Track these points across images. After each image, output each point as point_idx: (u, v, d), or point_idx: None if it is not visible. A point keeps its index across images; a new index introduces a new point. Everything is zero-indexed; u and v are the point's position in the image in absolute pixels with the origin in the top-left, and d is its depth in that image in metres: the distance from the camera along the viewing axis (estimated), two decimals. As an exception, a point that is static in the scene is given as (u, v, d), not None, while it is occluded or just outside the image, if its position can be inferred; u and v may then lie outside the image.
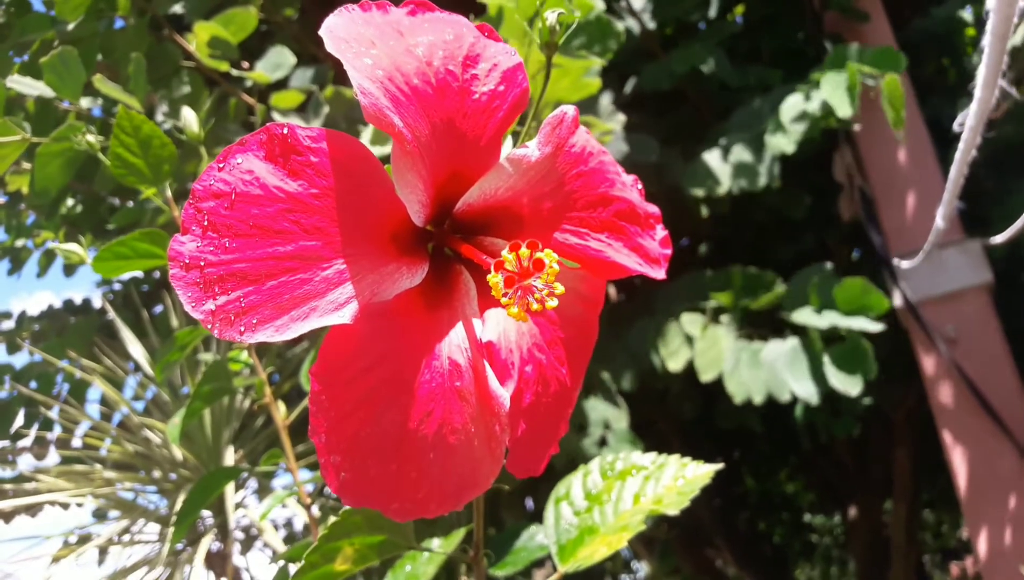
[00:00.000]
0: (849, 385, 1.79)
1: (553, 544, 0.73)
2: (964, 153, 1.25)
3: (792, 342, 1.90)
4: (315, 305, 0.41)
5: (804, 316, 1.88)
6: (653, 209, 0.57)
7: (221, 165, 0.40)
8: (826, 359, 1.83)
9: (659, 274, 0.55)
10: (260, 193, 0.40)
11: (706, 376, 1.93)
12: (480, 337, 0.48)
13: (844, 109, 1.81)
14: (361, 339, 0.43)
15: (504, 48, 0.49)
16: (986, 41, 0.92)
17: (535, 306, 0.45)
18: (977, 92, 1.03)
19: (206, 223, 0.40)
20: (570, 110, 0.51)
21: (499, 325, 0.51)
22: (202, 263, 0.39)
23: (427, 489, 0.45)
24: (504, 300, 0.45)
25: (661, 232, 0.57)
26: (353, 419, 0.43)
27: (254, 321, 0.40)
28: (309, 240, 0.41)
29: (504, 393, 0.47)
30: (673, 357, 2.00)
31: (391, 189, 0.45)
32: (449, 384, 0.46)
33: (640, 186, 0.57)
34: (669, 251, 0.57)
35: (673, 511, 0.67)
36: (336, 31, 0.44)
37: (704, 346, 1.96)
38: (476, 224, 0.51)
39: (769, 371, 1.88)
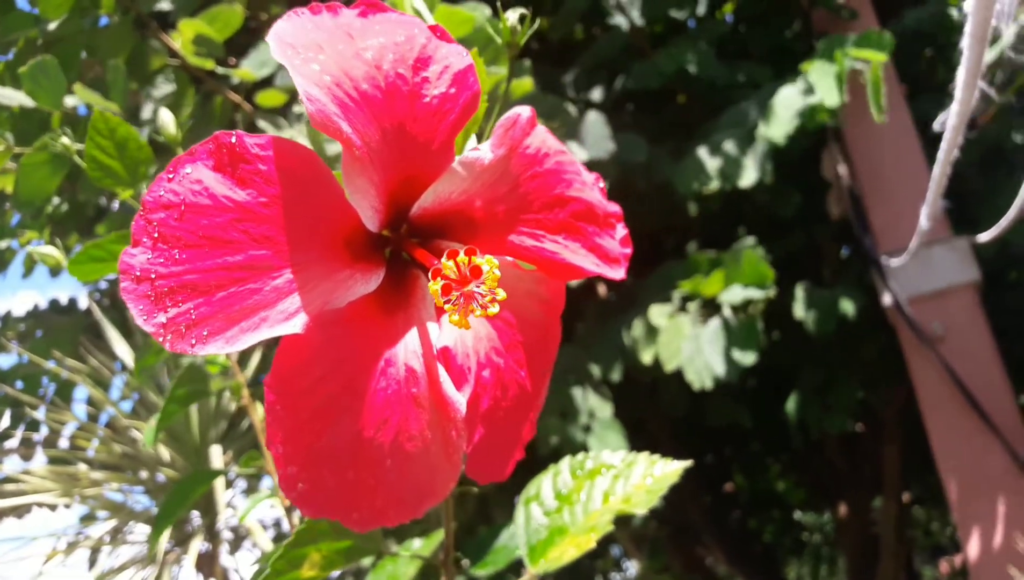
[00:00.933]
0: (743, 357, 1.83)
1: (524, 545, 0.73)
2: (946, 153, 1.26)
3: (715, 323, 1.92)
4: (265, 315, 0.41)
5: (728, 296, 1.90)
6: (614, 208, 0.57)
7: (171, 176, 0.40)
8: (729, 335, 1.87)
9: (618, 274, 0.55)
10: (209, 203, 0.40)
11: (669, 366, 1.94)
12: (436, 342, 0.48)
13: (832, 98, 1.82)
14: (314, 348, 0.43)
15: (456, 49, 0.49)
16: (965, 43, 0.92)
17: (477, 313, 0.44)
18: (957, 93, 1.04)
19: (156, 235, 0.39)
20: (524, 111, 0.51)
21: (455, 330, 0.50)
22: (152, 275, 0.39)
23: (385, 497, 0.45)
24: (447, 307, 0.44)
25: (621, 231, 0.56)
26: (309, 429, 0.42)
27: (204, 333, 0.39)
28: (259, 249, 0.41)
29: (460, 398, 0.46)
30: (646, 350, 2.01)
31: (342, 196, 0.45)
32: (405, 391, 0.45)
33: (602, 185, 0.57)
34: (629, 250, 0.56)
35: (641, 510, 0.67)
36: (284, 36, 0.43)
37: (667, 338, 1.98)
38: (433, 228, 0.51)
39: (705, 351, 1.91)
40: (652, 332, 2.02)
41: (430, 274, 0.45)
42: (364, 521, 0.45)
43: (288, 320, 0.41)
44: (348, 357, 0.44)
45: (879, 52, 1.81)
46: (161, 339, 0.39)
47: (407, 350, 0.47)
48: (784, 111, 1.92)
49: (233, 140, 0.41)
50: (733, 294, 1.89)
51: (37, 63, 1.29)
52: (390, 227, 0.49)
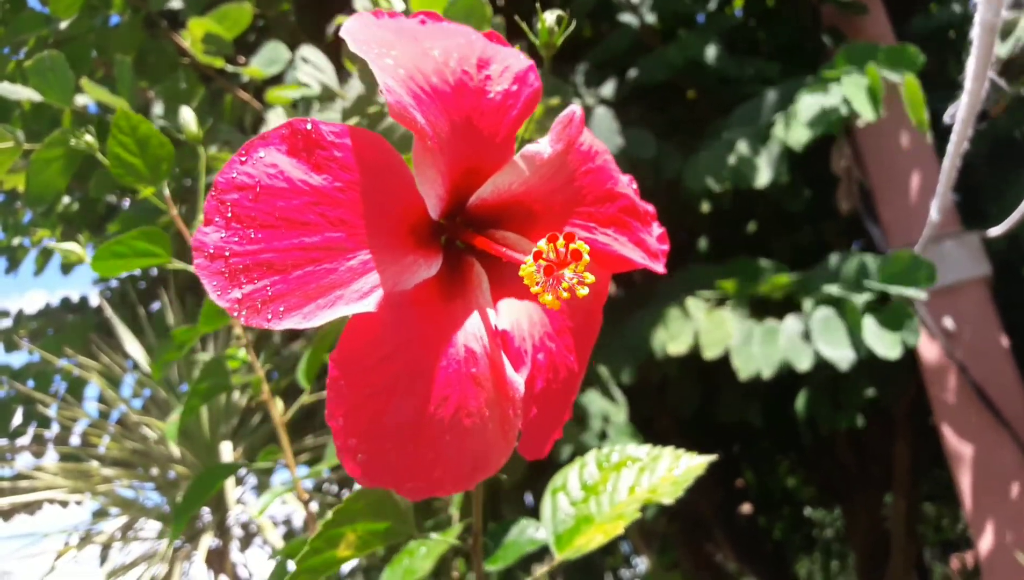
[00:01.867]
0: (889, 346, 1.77)
1: (550, 534, 0.75)
2: (956, 145, 1.26)
3: (824, 311, 1.88)
4: (341, 293, 0.43)
5: (836, 290, 1.87)
6: (650, 207, 0.60)
7: (244, 158, 0.42)
8: (867, 322, 1.81)
9: (659, 268, 0.58)
10: (285, 186, 0.42)
11: (711, 353, 1.92)
12: (495, 326, 0.50)
13: (868, 113, 1.81)
14: (382, 328, 0.45)
15: (514, 52, 0.52)
16: (975, 33, 0.92)
17: (565, 295, 0.46)
18: (967, 84, 1.04)
19: (230, 214, 0.41)
20: (578, 110, 0.54)
21: (512, 315, 0.53)
22: (227, 253, 0.41)
23: (442, 469, 0.47)
24: (535, 288, 0.46)
25: (658, 229, 0.60)
26: (371, 404, 0.44)
27: (281, 309, 0.41)
28: (335, 232, 0.43)
29: (519, 379, 0.49)
30: (675, 340, 1.99)
31: (411, 183, 0.47)
32: (465, 370, 0.48)
33: (635, 186, 0.60)
34: (667, 246, 0.59)
35: (668, 500, 0.68)
36: (356, 34, 0.46)
37: (710, 325, 1.96)
38: (487, 218, 0.53)
39: (789, 341, 1.87)
40: (691, 323, 2.00)
41: (531, 256, 0.46)
42: (419, 490, 0.47)
43: (363, 299, 0.43)
44: (412, 338, 0.46)
45: (911, 71, 1.80)
46: (236, 314, 0.40)
47: (467, 333, 0.49)
48: (806, 118, 1.91)
49: (308, 127, 0.42)
50: (856, 293, 1.83)
51: (43, 58, 1.29)
52: (447, 216, 0.51)
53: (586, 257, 0.46)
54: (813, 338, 1.84)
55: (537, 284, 0.46)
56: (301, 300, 0.41)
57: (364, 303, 0.43)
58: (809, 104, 1.93)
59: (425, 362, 0.46)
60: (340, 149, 0.43)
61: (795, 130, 1.93)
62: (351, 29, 0.46)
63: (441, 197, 0.49)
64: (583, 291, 0.46)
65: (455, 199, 0.51)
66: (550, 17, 0.59)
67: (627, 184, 0.58)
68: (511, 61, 0.51)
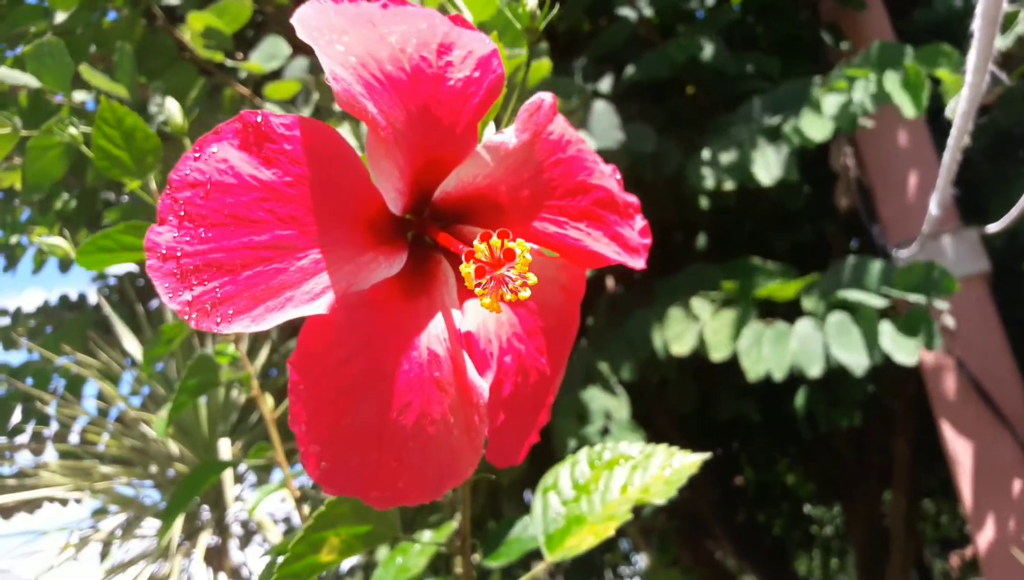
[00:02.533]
0: (908, 352, 1.75)
1: (541, 534, 0.73)
2: (956, 139, 1.24)
3: (839, 316, 1.86)
4: (291, 295, 0.41)
5: (854, 294, 1.85)
6: (632, 199, 0.57)
7: (197, 154, 0.40)
8: (883, 327, 1.80)
9: (638, 264, 0.55)
10: (234, 182, 0.40)
11: (717, 355, 1.91)
12: (459, 327, 0.48)
13: (910, 110, 1.80)
14: (339, 329, 0.43)
15: (478, 36, 0.49)
16: (976, 25, 0.91)
17: (508, 296, 0.44)
18: (968, 77, 1.02)
19: (182, 213, 0.39)
20: (547, 97, 0.51)
21: (478, 315, 0.50)
22: (179, 253, 0.39)
23: (407, 478, 0.45)
24: (477, 290, 0.44)
25: (640, 221, 0.57)
26: (332, 409, 0.43)
27: (230, 311, 0.39)
28: (284, 229, 0.41)
29: (483, 384, 0.47)
30: (678, 340, 1.98)
31: (367, 177, 0.45)
32: (428, 374, 0.46)
33: (618, 176, 0.57)
34: (648, 241, 0.56)
35: (660, 500, 0.67)
36: (308, 20, 0.44)
37: (716, 326, 1.94)
38: (455, 212, 0.51)
39: (800, 345, 1.85)
40: (695, 324, 1.99)
41: (463, 256, 0.44)
42: (385, 500, 0.45)
43: (314, 300, 0.41)
44: (371, 340, 0.44)
45: (954, 72, 1.79)
46: (187, 317, 0.39)
47: (430, 334, 0.47)
48: (829, 114, 1.90)
49: (259, 119, 0.41)
50: (874, 298, 1.82)
51: (42, 44, 1.28)
52: (412, 211, 0.49)
53: (525, 256, 0.44)
54: (828, 343, 1.82)
55: (477, 286, 0.44)
56: (250, 302, 0.40)
57: (315, 305, 0.41)
58: (832, 101, 1.92)
59: (385, 365, 0.44)
60: (290, 141, 0.41)
61: (816, 125, 1.91)
62: (304, 16, 0.44)
63: (401, 191, 0.47)
64: (525, 293, 0.44)
65: (418, 193, 0.49)
66: (531, 1, 0.57)
67: (608, 174, 0.56)
68: (475, 46, 0.48)
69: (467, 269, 0.44)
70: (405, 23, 0.46)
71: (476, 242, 0.44)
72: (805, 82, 2.05)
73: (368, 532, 0.62)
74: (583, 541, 0.68)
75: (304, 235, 0.41)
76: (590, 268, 0.55)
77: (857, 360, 1.78)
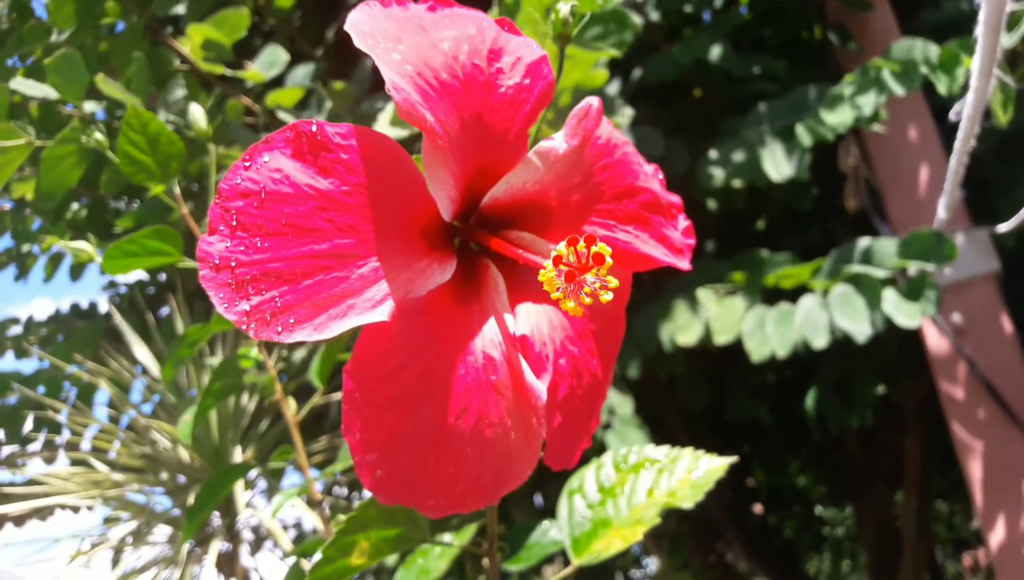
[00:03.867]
0: (908, 316, 1.75)
1: (567, 537, 0.73)
2: (963, 142, 1.25)
3: (843, 288, 1.86)
4: (352, 303, 0.41)
5: (858, 268, 1.86)
6: (675, 199, 0.57)
7: (248, 163, 0.40)
8: (886, 294, 1.79)
9: (684, 264, 0.55)
10: (291, 191, 0.40)
11: (722, 338, 1.91)
12: (513, 331, 0.48)
13: (943, 85, 1.80)
14: (395, 336, 0.43)
15: (526, 42, 0.49)
16: (979, 31, 0.92)
17: (588, 301, 0.44)
18: (973, 81, 1.03)
19: (235, 222, 0.39)
20: (595, 102, 0.51)
21: (531, 319, 0.50)
22: (233, 263, 0.39)
23: (464, 484, 0.45)
24: (556, 294, 0.44)
25: (684, 222, 0.57)
26: (389, 416, 0.43)
27: (291, 320, 0.39)
28: (344, 238, 0.41)
29: (540, 386, 0.47)
30: (684, 331, 1.98)
31: (422, 184, 0.45)
32: (484, 378, 0.46)
33: (661, 176, 0.57)
34: (692, 241, 0.57)
35: (687, 505, 0.67)
36: (361, 26, 0.44)
37: (721, 312, 1.95)
38: (502, 218, 0.51)
39: (805, 318, 1.85)
40: (701, 313, 1.99)
41: (551, 261, 0.44)
42: (440, 507, 0.45)
43: (375, 308, 0.41)
44: (427, 346, 0.44)
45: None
46: (244, 327, 0.39)
47: (484, 338, 0.47)
48: (852, 102, 1.90)
49: (313, 128, 0.41)
50: (876, 270, 1.82)
51: (62, 55, 1.30)
52: (460, 217, 0.49)
53: (609, 260, 0.44)
54: (832, 313, 1.82)
55: (558, 290, 0.44)
56: (312, 311, 0.40)
57: (377, 312, 0.41)
58: (852, 89, 1.92)
59: (442, 371, 0.44)
60: (346, 151, 0.41)
61: (839, 112, 1.91)
62: (356, 21, 0.44)
63: (453, 198, 0.47)
64: (607, 296, 0.44)
65: (468, 199, 0.49)
66: (564, 8, 0.56)
67: (651, 175, 0.56)
68: (523, 51, 0.48)
69: (550, 274, 0.44)
70: (454, 28, 0.46)
71: (561, 247, 0.44)
72: (814, 88, 2.05)
73: (398, 535, 0.62)
74: (611, 545, 0.67)
75: (363, 243, 0.41)
76: (639, 270, 0.54)
77: (860, 328, 1.78)
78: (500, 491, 0.47)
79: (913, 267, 1.82)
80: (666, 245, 0.55)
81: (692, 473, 0.71)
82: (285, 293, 0.39)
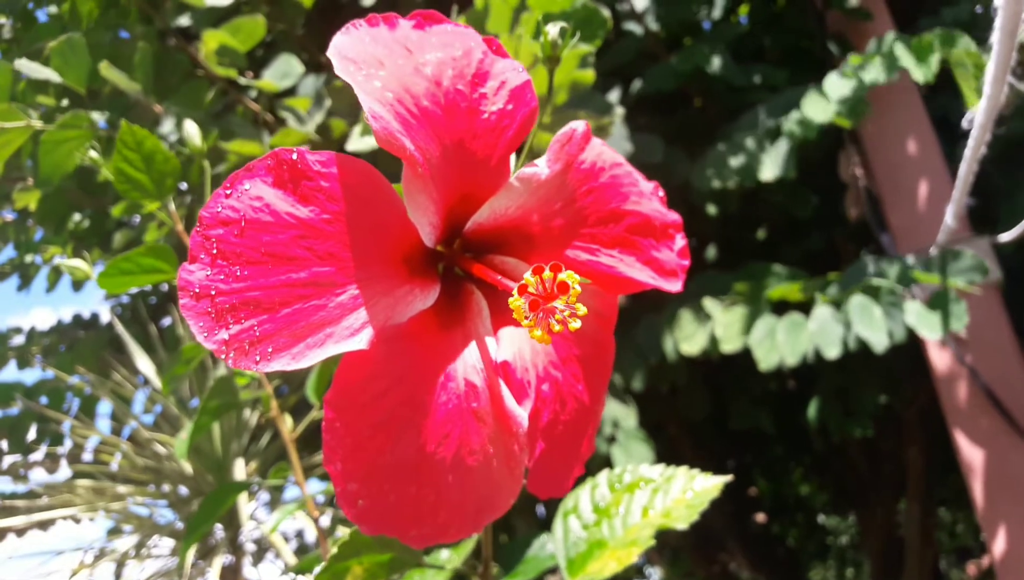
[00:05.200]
0: (931, 328, 1.75)
1: (562, 558, 0.72)
2: (974, 150, 1.25)
3: (861, 299, 1.86)
4: (331, 331, 0.40)
5: (877, 281, 1.86)
6: (674, 217, 0.56)
7: (228, 191, 0.40)
8: (908, 306, 1.80)
9: (675, 287, 0.55)
10: (271, 220, 0.40)
11: (729, 346, 1.91)
12: (495, 357, 0.47)
13: (919, 74, 1.81)
14: (375, 363, 0.43)
15: (512, 64, 0.49)
16: (995, 38, 0.91)
17: (557, 328, 0.44)
18: (986, 89, 1.03)
19: (215, 251, 0.39)
20: (580, 126, 0.51)
21: (514, 344, 0.50)
22: (213, 292, 0.39)
23: (447, 513, 0.45)
24: (526, 322, 0.44)
25: (680, 241, 0.56)
26: (370, 445, 0.42)
27: (269, 350, 0.39)
28: (323, 266, 0.40)
29: (522, 412, 0.46)
30: (689, 340, 1.98)
31: (402, 211, 0.45)
32: (466, 405, 0.45)
33: (661, 193, 0.56)
34: (687, 262, 0.56)
35: (682, 525, 0.66)
36: (344, 51, 0.43)
37: (728, 321, 1.95)
38: (486, 243, 0.51)
39: (819, 327, 1.85)
40: (706, 322, 1.99)
41: (516, 290, 0.44)
42: (424, 538, 0.44)
43: (354, 336, 0.41)
44: (408, 373, 0.44)
45: (968, 51, 1.81)
46: (224, 356, 0.38)
47: (466, 365, 0.46)
48: (834, 96, 1.90)
49: (294, 156, 0.40)
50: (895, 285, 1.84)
51: (66, 40, 1.29)
52: (444, 242, 0.49)
53: (575, 288, 0.44)
54: (850, 322, 1.82)
55: (526, 318, 0.44)
56: (290, 340, 0.39)
57: (355, 340, 0.41)
58: (833, 82, 1.93)
59: (423, 398, 0.44)
60: (327, 179, 0.41)
61: (819, 106, 1.92)
62: (340, 46, 0.43)
63: (435, 225, 0.46)
64: (575, 324, 0.44)
65: (451, 225, 0.49)
66: (553, 29, 0.55)
67: (649, 193, 0.55)
68: (509, 75, 0.48)
69: (517, 302, 0.44)
70: (441, 49, 0.46)
71: (528, 275, 0.44)
72: (807, 87, 2.05)
73: (392, 559, 0.62)
74: (606, 566, 0.67)
75: (342, 271, 0.41)
76: (623, 293, 0.54)
77: (878, 338, 1.78)
78: (483, 520, 0.46)
79: (952, 282, 1.83)
80: (654, 268, 0.54)
81: (687, 492, 0.71)
82: (264, 322, 0.39)
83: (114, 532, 2.27)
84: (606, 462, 1.96)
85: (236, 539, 2.19)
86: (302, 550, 2.67)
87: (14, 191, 1.91)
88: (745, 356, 1.94)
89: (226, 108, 1.98)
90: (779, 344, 1.86)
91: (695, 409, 2.51)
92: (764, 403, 2.68)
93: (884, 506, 3.44)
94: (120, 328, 2.27)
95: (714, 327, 1.97)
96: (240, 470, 2.08)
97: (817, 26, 2.48)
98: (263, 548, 2.38)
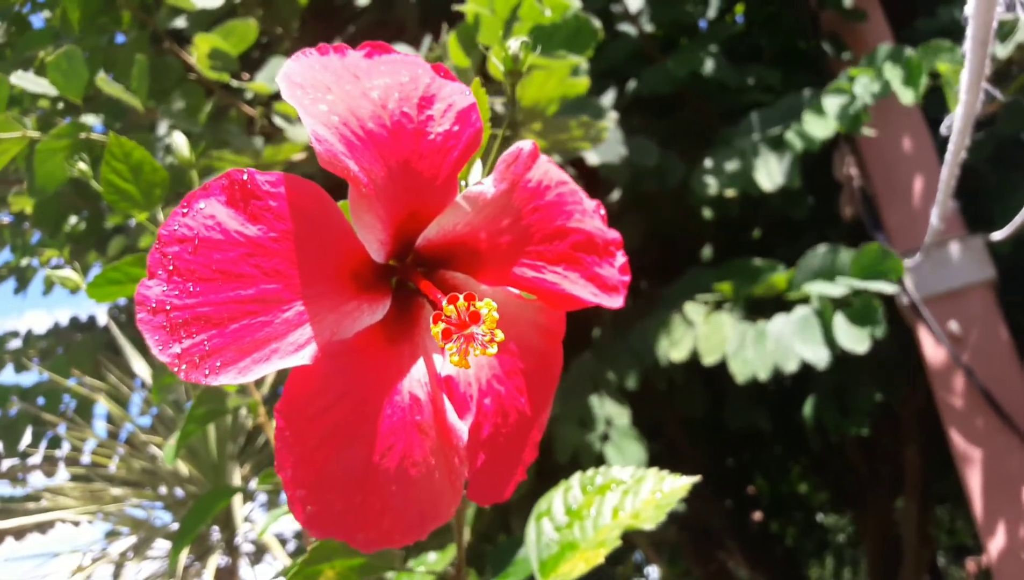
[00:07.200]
0: (857, 341, 1.77)
1: (535, 560, 0.73)
2: (953, 155, 1.26)
3: (802, 311, 1.88)
4: (276, 347, 0.42)
5: (818, 287, 1.87)
6: (614, 235, 0.58)
7: (185, 210, 0.41)
8: (837, 319, 1.82)
9: (615, 303, 0.56)
10: (221, 238, 0.41)
11: (709, 359, 1.92)
12: (440, 371, 0.49)
13: (907, 96, 1.82)
14: (323, 377, 0.44)
15: (459, 88, 0.50)
16: (967, 47, 0.92)
17: (477, 353, 0.46)
18: (961, 96, 1.04)
19: (171, 267, 0.41)
20: (526, 146, 0.52)
21: None
22: (168, 307, 0.40)
23: (391, 520, 0.46)
24: (447, 347, 0.46)
25: (621, 258, 0.58)
26: (318, 454, 0.44)
27: (218, 364, 0.41)
28: (269, 283, 0.42)
29: (462, 426, 0.48)
30: (676, 346, 1.99)
31: (350, 230, 0.46)
32: (410, 418, 0.47)
33: (603, 212, 0.58)
34: (627, 278, 0.57)
35: (650, 526, 0.67)
36: (293, 76, 0.45)
37: (708, 330, 1.96)
38: (438, 258, 0.52)
39: (776, 343, 1.86)
40: (691, 328, 2.00)
41: (431, 318, 0.46)
42: (370, 542, 0.46)
43: (298, 351, 0.43)
44: (355, 386, 0.45)
45: (954, 64, 1.81)
46: (176, 369, 0.40)
47: (412, 379, 0.48)
48: (831, 113, 1.91)
49: (245, 177, 0.42)
50: (833, 288, 1.84)
51: (64, 52, 1.30)
52: (396, 257, 0.50)
53: (492, 315, 0.46)
54: (794, 340, 1.84)
55: (446, 344, 0.46)
56: (236, 354, 0.41)
57: (300, 356, 0.43)
58: (832, 102, 1.93)
59: (369, 410, 0.45)
60: (275, 198, 0.42)
61: (820, 124, 1.93)
62: (290, 72, 0.45)
63: (383, 241, 0.48)
64: (492, 350, 0.46)
65: (400, 241, 0.50)
66: (514, 44, 0.56)
67: (591, 212, 0.57)
68: (455, 98, 0.49)
69: (436, 329, 0.46)
70: (389, 74, 0.47)
71: (444, 304, 0.45)
72: (804, 94, 2.06)
73: (363, 564, 0.63)
74: (575, 568, 0.68)
75: (288, 288, 0.43)
76: (567, 310, 0.55)
77: (818, 354, 1.81)
78: (426, 527, 0.48)
79: (865, 287, 1.84)
80: (597, 284, 0.55)
81: (656, 494, 0.72)
82: (213, 337, 0.41)
83: (112, 534, 2.27)
84: (599, 460, 1.97)
85: (232, 541, 2.19)
86: (301, 551, 2.67)
87: (9, 194, 1.91)
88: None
89: (219, 112, 1.99)
90: (749, 359, 1.87)
91: (693, 408, 2.51)
92: (762, 402, 2.68)
93: (882, 504, 3.44)
94: (116, 331, 2.28)
95: (697, 335, 1.99)
96: (236, 472, 2.08)
97: (812, 26, 2.48)
98: (260, 550, 2.39)
